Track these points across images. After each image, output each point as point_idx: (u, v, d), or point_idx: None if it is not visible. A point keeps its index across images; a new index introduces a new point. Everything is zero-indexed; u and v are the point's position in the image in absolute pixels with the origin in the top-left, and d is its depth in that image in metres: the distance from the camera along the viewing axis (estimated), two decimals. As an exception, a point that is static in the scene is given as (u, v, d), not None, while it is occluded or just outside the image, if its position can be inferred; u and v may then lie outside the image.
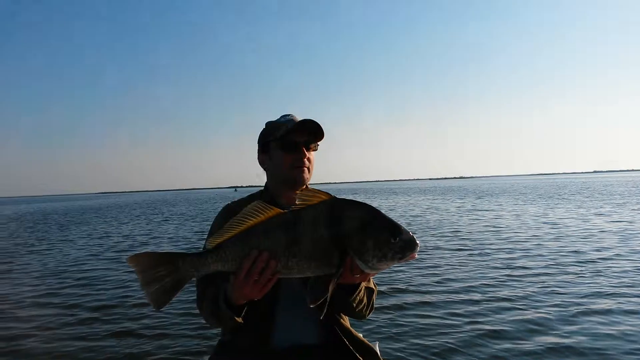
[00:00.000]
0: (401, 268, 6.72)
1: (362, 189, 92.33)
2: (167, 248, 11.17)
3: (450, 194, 40.99)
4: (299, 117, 1.60)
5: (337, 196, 1.17)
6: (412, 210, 21.33)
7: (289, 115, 1.62)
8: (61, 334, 4.43)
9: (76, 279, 7.41)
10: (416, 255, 1.10)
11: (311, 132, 1.55)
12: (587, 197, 26.32)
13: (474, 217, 16.15)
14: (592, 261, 7.16)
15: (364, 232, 1.10)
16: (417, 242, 1.10)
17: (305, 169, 1.56)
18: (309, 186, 1.62)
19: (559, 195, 30.06)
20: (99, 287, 6.61)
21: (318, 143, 1.61)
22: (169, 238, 13.33)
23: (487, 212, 17.86)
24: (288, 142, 1.53)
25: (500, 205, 22.13)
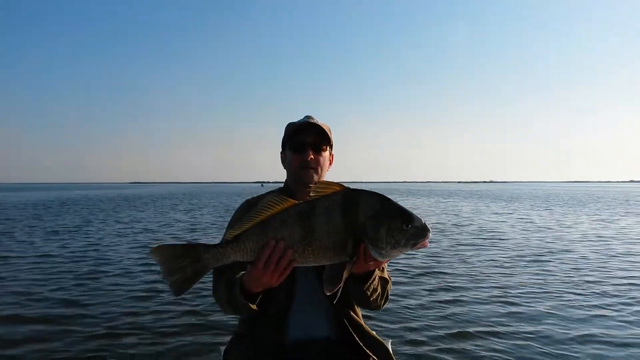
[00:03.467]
0: (421, 266, 7.11)
1: (386, 189, 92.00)
2: (187, 236, 12.08)
3: (472, 198, 40.80)
4: (318, 119, 1.67)
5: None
6: (432, 210, 21.73)
7: (310, 117, 1.67)
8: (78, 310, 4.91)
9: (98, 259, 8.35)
10: (427, 243, 1.14)
11: (319, 134, 1.61)
12: (614, 205, 25.93)
13: (493, 219, 16.49)
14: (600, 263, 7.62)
15: (377, 220, 1.13)
16: (429, 228, 1.14)
17: (311, 170, 1.60)
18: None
19: (581, 202, 29.66)
20: (124, 270, 7.27)
21: (328, 145, 1.65)
22: (192, 226, 14.34)
23: (504, 216, 18.13)
24: (294, 143, 1.61)
25: (516, 210, 22.23)
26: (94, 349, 3.81)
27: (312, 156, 1.60)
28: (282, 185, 1.80)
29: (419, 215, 1.14)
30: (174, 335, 4.10)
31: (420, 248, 1.13)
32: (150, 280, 6.31)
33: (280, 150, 1.74)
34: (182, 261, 1.20)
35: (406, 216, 1.13)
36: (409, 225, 1.12)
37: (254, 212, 1.20)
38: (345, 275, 1.16)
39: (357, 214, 1.15)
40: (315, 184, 1.20)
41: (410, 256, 7.82)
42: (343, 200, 1.17)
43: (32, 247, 9.69)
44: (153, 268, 7.01)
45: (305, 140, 1.60)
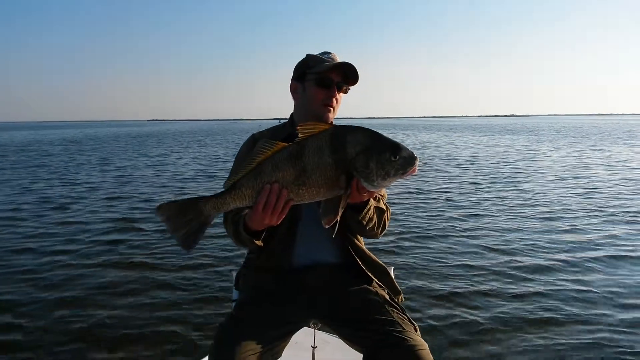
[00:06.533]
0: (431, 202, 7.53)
1: (403, 124, 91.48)
2: (204, 169, 13.64)
3: (486, 132, 41.14)
4: (339, 57, 1.66)
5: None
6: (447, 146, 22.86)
7: (331, 53, 1.66)
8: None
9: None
10: (417, 170, 1.18)
11: (346, 75, 1.61)
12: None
13: (486, 152, 17.75)
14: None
15: (366, 154, 1.17)
16: (416, 156, 1.17)
17: (331, 108, 1.62)
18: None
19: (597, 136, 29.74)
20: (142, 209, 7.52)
21: (350, 87, 1.66)
22: (210, 160, 15.98)
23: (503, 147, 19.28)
24: (324, 79, 1.59)
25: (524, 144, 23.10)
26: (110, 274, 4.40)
27: (337, 95, 1.61)
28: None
29: (405, 145, 1.18)
30: (190, 267, 4.50)
31: (410, 175, 1.18)
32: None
33: (293, 78, 1.70)
34: (186, 216, 1.25)
35: (394, 148, 1.17)
36: (397, 156, 1.15)
37: (247, 159, 1.24)
38: (341, 208, 1.22)
39: (347, 151, 1.19)
40: (301, 125, 1.22)
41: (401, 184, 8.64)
42: (332, 139, 1.20)
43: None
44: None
45: (335, 79, 1.60)
